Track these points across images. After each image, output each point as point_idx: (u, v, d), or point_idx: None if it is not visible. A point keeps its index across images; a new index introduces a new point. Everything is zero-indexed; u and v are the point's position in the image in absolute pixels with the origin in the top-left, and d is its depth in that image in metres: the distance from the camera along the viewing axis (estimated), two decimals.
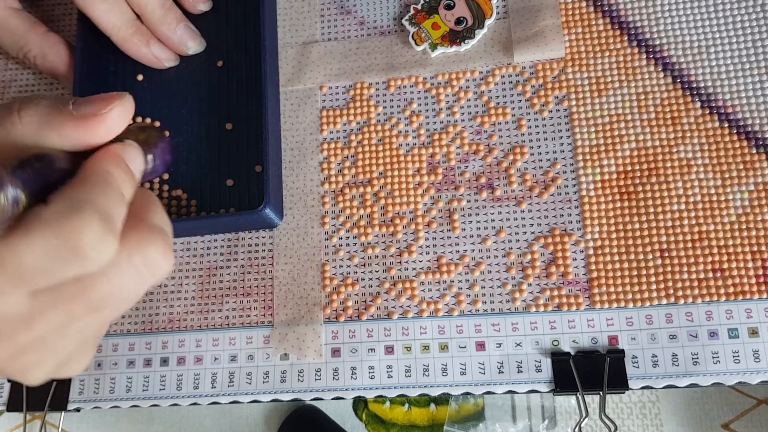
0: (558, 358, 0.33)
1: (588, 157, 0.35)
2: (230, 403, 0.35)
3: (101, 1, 0.35)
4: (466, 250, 0.35)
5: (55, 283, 0.21)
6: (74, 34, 0.39)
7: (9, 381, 0.36)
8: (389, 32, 0.39)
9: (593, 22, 0.37)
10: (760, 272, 0.33)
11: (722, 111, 0.35)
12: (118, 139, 0.24)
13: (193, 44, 0.38)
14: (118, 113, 0.24)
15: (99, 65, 0.39)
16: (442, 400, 0.88)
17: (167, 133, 0.30)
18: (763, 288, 0.32)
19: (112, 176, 0.22)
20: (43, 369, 0.25)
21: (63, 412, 0.36)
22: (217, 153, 0.37)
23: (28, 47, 0.38)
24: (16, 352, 0.23)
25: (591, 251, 0.34)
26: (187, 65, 0.39)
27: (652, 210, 0.34)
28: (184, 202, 0.37)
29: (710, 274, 0.33)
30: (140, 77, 0.39)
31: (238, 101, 0.38)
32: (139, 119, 0.38)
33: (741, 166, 0.34)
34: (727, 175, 0.34)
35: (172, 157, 0.29)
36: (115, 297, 0.23)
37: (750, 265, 0.33)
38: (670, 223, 0.34)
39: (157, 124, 0.38)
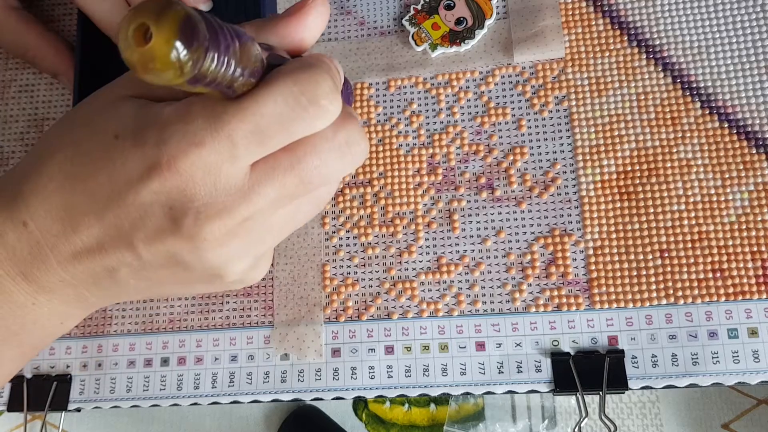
0: (558, 358, 0.33)
1: (588, 157, 0.35)
2: (230, 403, 0.35)
3: (101, 0, 0.35)
4: (466, 251, 0.35)
5: (281, 144, 0.23)
6: (74, 34, 0.39)
7: (9, 381, 0.37)
8: (389, 32, 0.39)
9: (593, 22, 0.37)
10: (760, 272, 0.33)
11: (722, 111, 0.35)
12: None
13: None
14: (318, 8, 0.26)
15: (99, 65, 0.39)
16: (442, 400, 0.88)
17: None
18: (762, 288, 0.32)
19: (327, 63, 0.24)
20: (242, 263, 0.25)
21: (63, 412, 0.36)
22: None
23: (28, 47, 0.38)
24: (229, 232, 0.23)
25: (591, 251, 0.34)
26: None
27: (652, 210, 0.34)
28: None
29: (710, 275, 0.33)
30: None
31: None
32: None
33: (741, 166, 0.34)
34: (727, 175, 0.34)
35: (353, 98, 0.30)
36: (321, 173, 0.24)
37: (750, 265, 0.33)
38: (670, 223, 0.34)
39: None
